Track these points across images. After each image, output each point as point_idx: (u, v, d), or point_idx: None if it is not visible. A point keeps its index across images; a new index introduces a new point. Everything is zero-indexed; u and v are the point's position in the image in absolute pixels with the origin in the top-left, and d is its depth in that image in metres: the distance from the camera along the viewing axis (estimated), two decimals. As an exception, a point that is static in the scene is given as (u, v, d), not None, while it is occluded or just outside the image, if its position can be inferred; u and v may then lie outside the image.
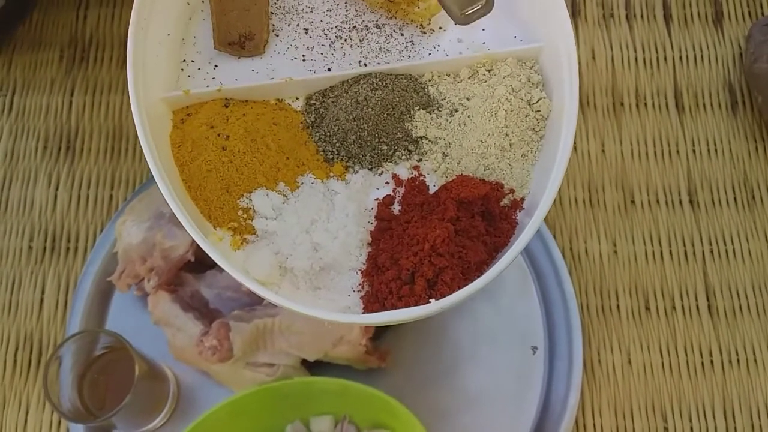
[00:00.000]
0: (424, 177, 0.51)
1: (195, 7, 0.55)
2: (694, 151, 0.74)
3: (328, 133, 0.51)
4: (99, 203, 0.73)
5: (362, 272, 0.48)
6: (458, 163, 0.51)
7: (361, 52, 0.54)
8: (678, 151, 0.74)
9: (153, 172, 0.46)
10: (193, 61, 0.54)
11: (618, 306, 0.69)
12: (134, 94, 0.48)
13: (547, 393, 0.64)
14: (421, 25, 0.55)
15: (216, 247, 0.47)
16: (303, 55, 0.54)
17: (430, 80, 0.53)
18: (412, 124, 0.52)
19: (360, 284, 0.48)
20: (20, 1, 0.77)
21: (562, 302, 0.67)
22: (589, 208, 0.72)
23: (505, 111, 0.50)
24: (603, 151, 0.74)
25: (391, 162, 0.51)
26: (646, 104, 0.76)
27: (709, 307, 0.69)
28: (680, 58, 0.78)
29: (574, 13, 0.80)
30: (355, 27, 0.55)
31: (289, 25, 0.55)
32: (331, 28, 0.55)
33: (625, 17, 0.80)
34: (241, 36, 0.53)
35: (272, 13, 0.56)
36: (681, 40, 0.79)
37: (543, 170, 0.50)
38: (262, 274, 0.47)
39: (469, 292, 0.44)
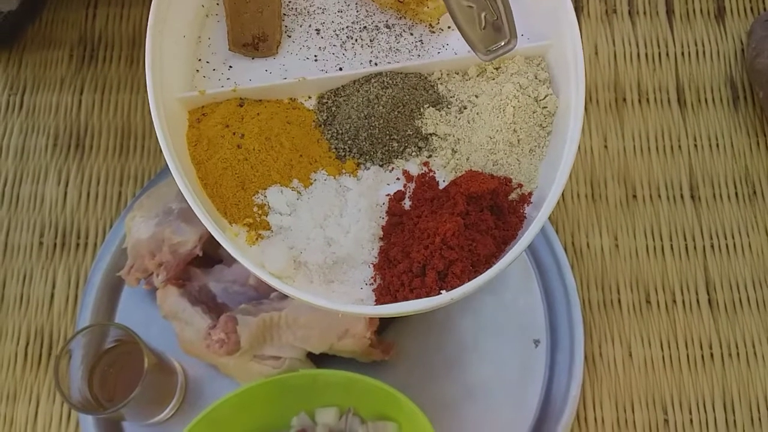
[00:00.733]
0: (434, 173, 0.52)
1: (210, 10, 0.57)
2: (695, 146, 0.75)
3: (340, 131, 0.52)
4: (108, 200, 0.74)
5: (374, 266, 0.49)
6: (467, 159, 0.52)
7: (371, 52, 0.55)
8: (680, 146, 0.75)
9: (171, 170, 0.47)
10: (208, 62, 0.55)
11: (619, 300, 0.70)
12: (152, 94, 0.49)
13: (549, 385, 0.65)
14: (430, 24, 0.56)
15: (232, 242, 0.48)
16: (315, 56, 0.55)
17: (439, 78, 0.54)
18: (421, 122, 0.53)
19: (372, 277, 0.49)
20: (31, 3, 0.79)
21: (564, 296, 0.67)
22: (591, 202, 0.73)
23: (513, 107, 0.51)
24: (605, 146, 0.75)
25: (401, 158, 0.52)
26: (648, 100, 0.77)
27: (709, 301, 0.69)
28: (682, 53, 0.79)
29: (578, 9, 0.81)
30: (365, 27, 0.56)
31: (301, 26, 0.56)
32: (342, 28, 0.56)
33: (627, 13, 0.81)
34: (254, 37, 0.54)
35: (285, 14, 0.57)
36: (683, 36, 0.79)
37: (550, 165, 0.51)
38: (277, 268, 0.48)
39: (479, 284, 0.45)
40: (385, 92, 0.52)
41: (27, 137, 0.77)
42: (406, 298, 0.47)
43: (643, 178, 0.74)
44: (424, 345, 0.67)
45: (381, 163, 0.52)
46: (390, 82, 0.53)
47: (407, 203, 0.51)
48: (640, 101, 0.77)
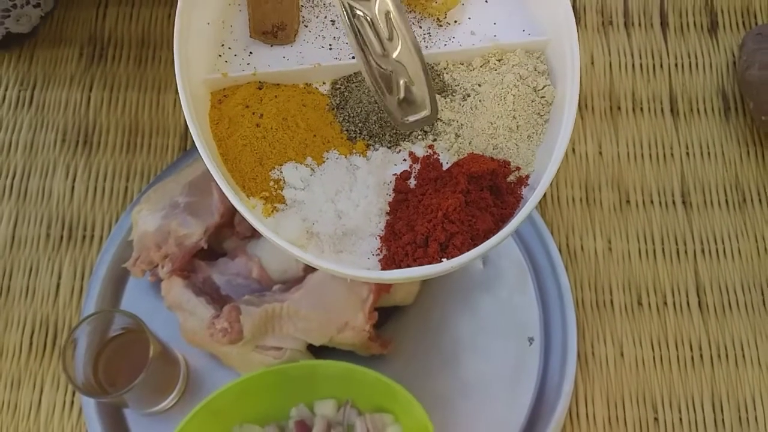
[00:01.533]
0: (438, 155, 0.54)
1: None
2: (687, 154, 0.77)
3: (352, 115, 0.55)
4: (114, 195, 0.76)
5: (381, 237, 0.52)
6: (469, 143, 0.54)
7: (382, 43, 0.58)
8: (672, 154, 0.77)
9: (197, 145, 0.50)
10: (230, 48, 0.58)
11: (612, 301, 0.71)
12: (180, 75, 0.52)
13: (543, 382, 0.66)
14: (437, 18, 0.58)
15: (251, 212, 0.51)
16: (330, 44, 0.58)
17: (445, 68, 0.56)
18: None
19: (378, 248, 0.52)
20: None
21: (558, 296, 0.69)
22: (586, 206, 0.75)
23: (513, 96, 0.54)
24: (600, 152, 0.77)
25: (408, 141, 0.55)
26: (642, 108, 0.79)
27: (699, 303, 0.71)
28: (676, 65, 0.81)
29: (575, 20, 0.83)
30: None
31: (317, 17, 0.59)
32: (356, 20, 0.59)
33: (623, 25, 0.83)
34: (274, 26, 0.57)
35: (302, 5, 0.59)
36: (677, 48, 0.82)
37: (546, 151, 0.53)
38: (290, 238, 0.51)
39: (478, 253, 0.48)
40: None
41: (36, 132, 0.78)
42: (409, 267, 0.49)
43: (636, 183, 0.76)
44: (421, 341, 0.68)
45: (389, 145, 0.55)
46: None
47: (412, 182, 0.54)
48: (634, 110, 0.79)
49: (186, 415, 0.59)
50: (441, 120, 0.55)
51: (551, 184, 0.57)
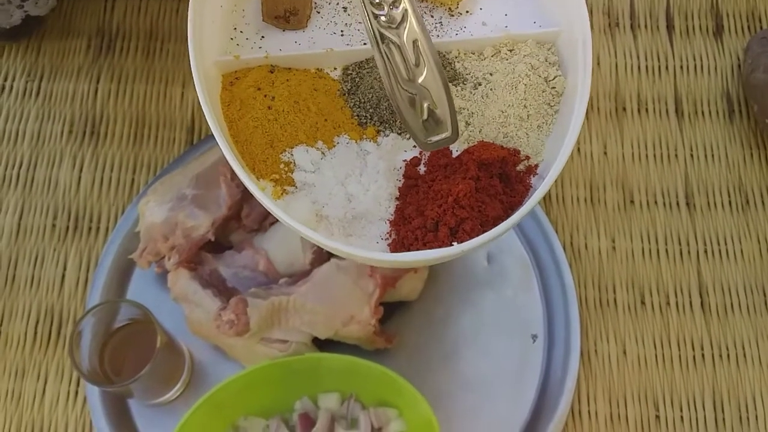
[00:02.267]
0: None
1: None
2: (691, 156, 0.78)
3: (363, 100, 0.55)
4: (121, 186, 0.76)
5: (390, 222, 0.52)
6: (480, 131, 0.54)
7: (394, 31, 0.58)
8: (676, 155, 0.77)
9: (210, 125, 0.50)
10: (242, 31, 0.58)
11: (615, 300, 0.72)
12: (193, 57, 0.52)
13: (545, 379, 0.67)
14: (449, 8, 0.59)
15: (262, 193, 0.51)
16: (341, 31, 0.58)
17: (456, 57, 0.57)
18: None
19: (388, 232, 0.52)
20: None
21: (561, 294, 0.69)
22: (590, 206, 0.75)
23: (525, 85, 0.54)
24: (605, 152, 0.78)
25: None
26: (647, 110, 0.79)
27: (702, 304, 0.72)
28: (681, 67, 0.82)
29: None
30: None
31: (329, 4, 0.59)
32: (368, 7, 0.59)
33: (629, 27, 0.84)
34: (286, 11, 0.57)
35: None
36: (682, 51, 0.82)
37: (555, 141, 0.54)
38: (300, 220, 0.51)
39: (488, 239, 0.48)
40: None
41: (43, 123, 0.78)
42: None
43: (640, 184, 0.76)
44: (425, 336, 0.68)
45: (399, 131, 0.55)
46: None
47: (422, 168, 0.54)
48: (639, 111, 0.79)
49: (190, 407, 0.60)
50: None
51: (556, 182, 0.57)
